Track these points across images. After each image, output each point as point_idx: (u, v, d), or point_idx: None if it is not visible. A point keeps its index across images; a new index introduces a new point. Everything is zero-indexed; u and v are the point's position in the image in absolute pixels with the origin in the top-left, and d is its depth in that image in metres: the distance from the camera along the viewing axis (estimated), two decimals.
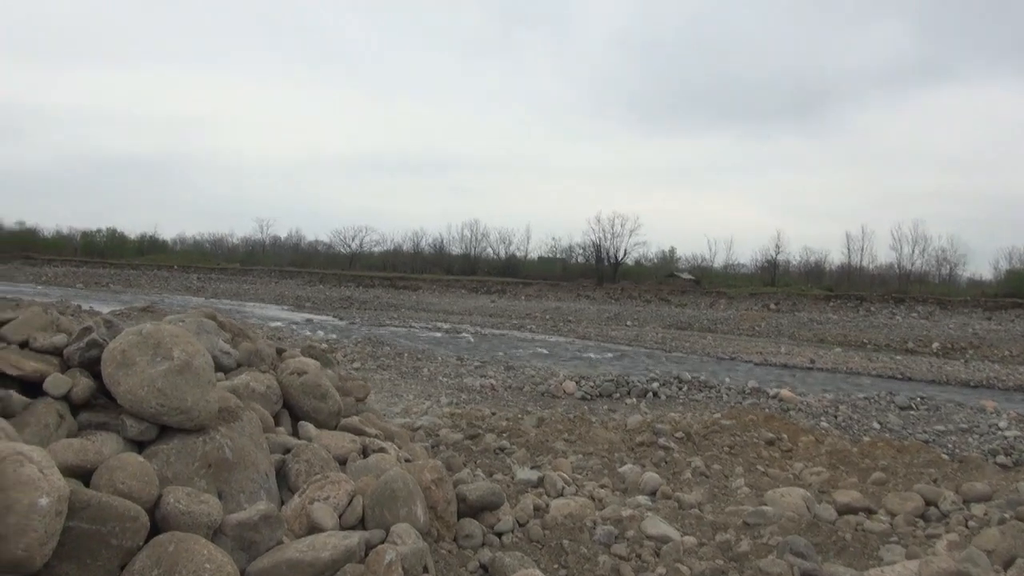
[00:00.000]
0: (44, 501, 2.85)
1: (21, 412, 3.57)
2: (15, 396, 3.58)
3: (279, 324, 29.02)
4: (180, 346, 3.80)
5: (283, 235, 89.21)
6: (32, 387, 3.80)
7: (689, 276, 69.15)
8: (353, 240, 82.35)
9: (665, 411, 12.00)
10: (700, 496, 6.43)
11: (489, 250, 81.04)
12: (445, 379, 16.62)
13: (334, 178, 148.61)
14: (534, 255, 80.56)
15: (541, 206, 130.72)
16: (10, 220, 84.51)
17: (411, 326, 32.98)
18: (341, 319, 36.20)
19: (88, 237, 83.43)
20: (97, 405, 3.88)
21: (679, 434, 8.69)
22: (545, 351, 24.95)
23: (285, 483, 4.27)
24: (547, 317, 41.51)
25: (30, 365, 3.79)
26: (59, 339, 4.05)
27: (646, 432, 8.66)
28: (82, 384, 3.82)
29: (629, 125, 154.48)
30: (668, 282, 64.31)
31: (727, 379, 17.31)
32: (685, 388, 15.13)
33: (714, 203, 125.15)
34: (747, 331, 37.74)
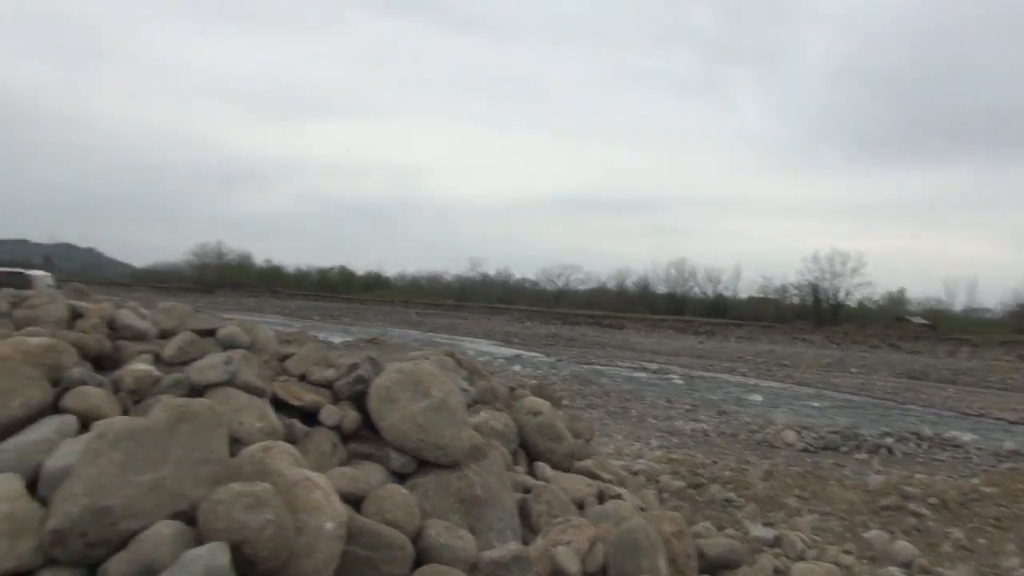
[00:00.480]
0: (329, 525, 3.10)
1: (302, 439, 3.93)
2: (297, 424, 3.97)
3: (488, 358, 30.06)
4: (437, 385, 4.02)
5: (492, 273, 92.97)
6: (309, 416, 4.19)
7: (923, 320, 63.06)
8: (559, 278, 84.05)
9: (902, 470, 10.91)
10: (967, 574, 5.72)
11: (696, 289, 79.08)
12: (654, 421, 16.32)
13: (541, 218, 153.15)
14: (744, 295, 77.34)
15: (751, 244, 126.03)
16: (260, 258, 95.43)
17: (617, 365, 32.83)
18: (548, 355, 36.82)
19: (323, 274, 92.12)
20: (362, 436, 4.20)
21: (932, 499, 7.83)
22: (759, 397, 23.74)
23: (526, 523, 4.35)
24: (760, 361, 39.57)
25: (309, 396, 4.18)
26: (330, 373, 4.44)
27: (892, 495, 7.90)
28: (351, 416, 4.15)
29: (848, 159, 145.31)
30: (898, 326, 59.12)
31: (977, 438, 15.45)
32: (925, 446, 13.71)
33: (951, 241, 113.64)
34: (997, 384, 33.57)
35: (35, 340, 3.62)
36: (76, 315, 4.39)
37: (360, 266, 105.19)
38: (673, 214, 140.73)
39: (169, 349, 4.13)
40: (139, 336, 4.32)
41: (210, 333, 4.42)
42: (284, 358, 4.60)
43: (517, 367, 27.59)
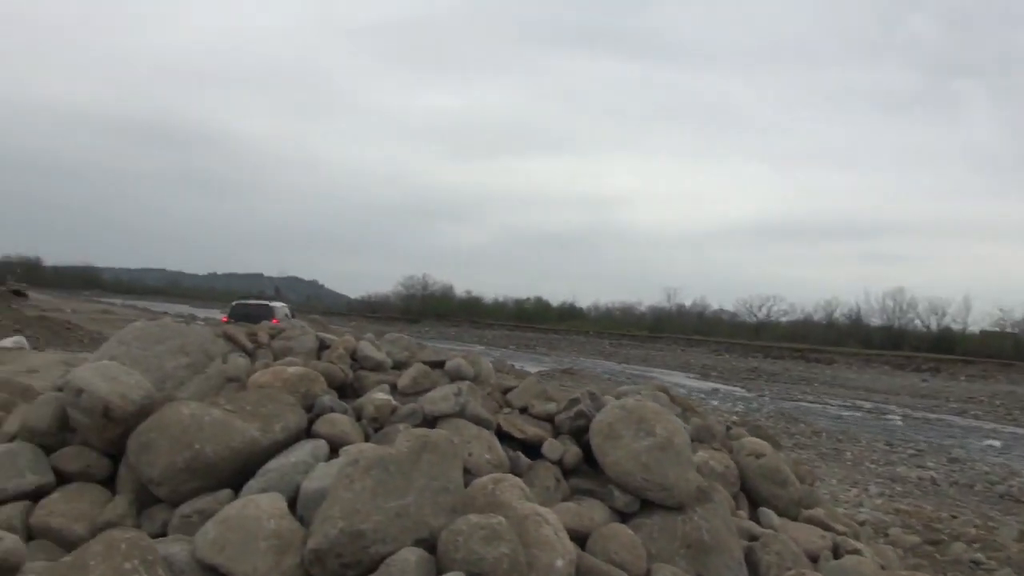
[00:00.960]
0: (560, 563, 3.10)
1: (526, 472, 3.99)
2: (522, 457, 4.04)
3: (684, 391, 29.21)
4: (661, 423, 3.93)
5: (688, 303, 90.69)
6: (531, 449, 4.25)
7: None
8: (759, 309, 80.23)
9: None
10: None
11: (917, 322, 72.13)
12: (872, 466, 15.00)
13: (738, 246, 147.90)
14: (975, 328, 69.48)
15: (983, 273, 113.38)
16: (461, 289, 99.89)
17: (826, 403, 30.65)
18: (748, 390, 35.16)
19: (520, 304, 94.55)
20: (583, 472, 4.20)
21: None
22: (998, 443, 21.12)
23: (754, 574, 4.11)
24: (997, 403, 35.25)
25: (531, 430, 4.25)
26: (551, 407, 4.50)
27: None
28: (572, 451, 4.16)
29: None
30: None
31: None
32: None
33: None
34: None
35: (291, 369, 3.99)
36: (323, 346, 4.79)
37: (555, 296, 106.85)
38: (887, 240, 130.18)
39: (403, 380, 4.38)
40: (377, 367, 4.63)
41: (439, 365, 4.65)
42: (506, 391, 4.72)
43: (715, 402, 26.60)
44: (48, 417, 3.40)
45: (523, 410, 4.56)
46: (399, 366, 4.72)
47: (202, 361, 4.05)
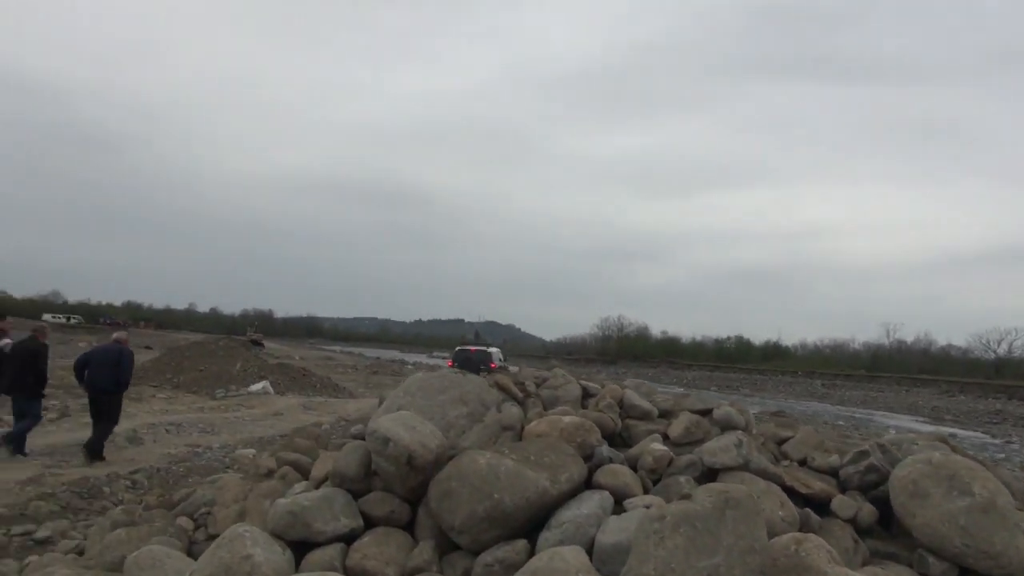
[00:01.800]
0: None
1: (817, 530, 3.71)
2: (812, 515, 3.76)
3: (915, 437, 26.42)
4: (979, 481, 3.51)
5: (910, 339, 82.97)
6: (816, 505, 3.95)
7: None
8: (998, 344, 71.68)
9: None
10: None
11: None
12: None
13: (969, 275, 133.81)
14: None
15: None
16: (657, 329, 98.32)
17: None
18: (993, 436, 31.27)
19: (719, 344, 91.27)
20: (876, 532, 3.84)
21: None
22: None
23: None
24: None
25: (818, 484, 3.96)
26: (833, 460, 4.17)
27: None
28: (867, 509, 3.82)
29: None
30: None
31: None
32: None
33: None
34: None
35: (566, 419, 4.01)
36: (586, 394, 4.80)
37: (757, 335, 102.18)
38: None
39: (675, 429, 4.26)
40: (644, 415, 4.55)
41: (706, 413, 4.49)
42: (781, 441, 4.46)
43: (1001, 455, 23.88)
44: (355, 464, 3.64)
45: (802, 462, 4.27)
46: (664, 414, 4.61)
47: (479, 410, 4.18)
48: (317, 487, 3.83)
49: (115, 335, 10.52)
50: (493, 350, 24.96)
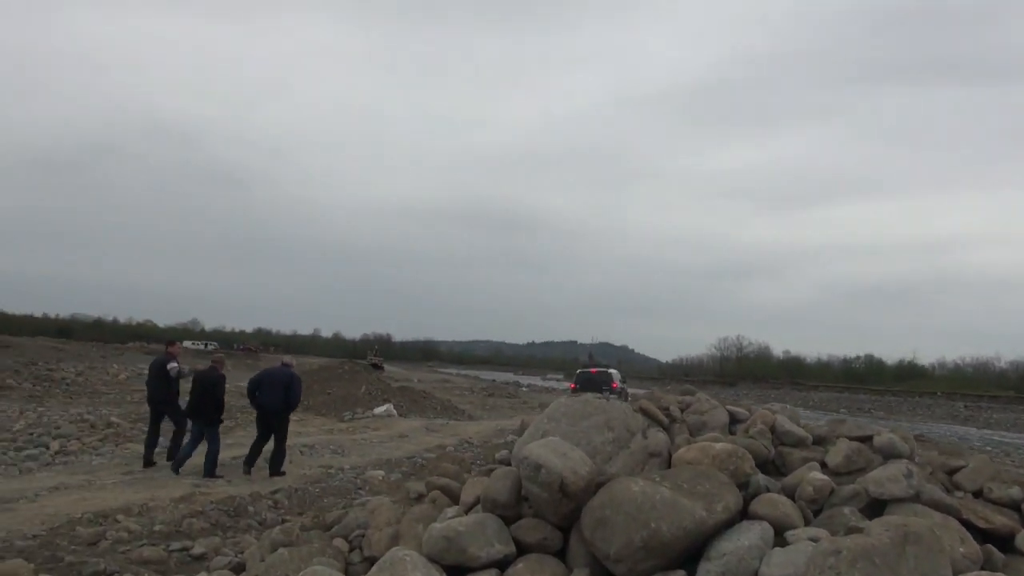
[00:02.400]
0: None
1: (1002, 569, 3.41)
2: (995, 552, 3.46)
3: None
4: None
5: None
6: (994, 540, 3.63)
7: None
8: None
9: None
10: None
11: None
12: None
13: None
14: None
15: None
16: (778, 349, 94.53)
17: None
18: None
19: (848, 364, 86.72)
20: None
21: None
22: None
23: None
24: None
25: (998, 519, 3.65)
26: (1014, 492, 3.84)
27: None
28: None
29: None
30: None
31: None
32: None
33: None
34: None
35: (718, 446, 3.87)
36: (733, 420, 4.64)
37: (889, 354, 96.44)
38: None
39: (835, 457, 4.04)
40: (798, 442, 4.35)
41: (866, 440, 4.24)
42: (951, 471, 4.14)
43: None
44: (506, 490, 3.64)
45: (976, 494, 3.95)
46: (819, 441, 4.39)
47: (624, 436, 4.11)
48: (467, 512, 3.85)
49: (284, 359, 11.46)
50: (613, 372, 25.13)
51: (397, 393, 27.53)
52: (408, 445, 14.82)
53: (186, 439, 10.85)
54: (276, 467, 10.40)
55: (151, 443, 11.15)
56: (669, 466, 4.06)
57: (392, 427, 18.44)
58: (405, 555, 3.20)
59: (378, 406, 22.73)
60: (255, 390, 10.56)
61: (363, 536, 4.22)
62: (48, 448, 13.63)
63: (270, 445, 10.56)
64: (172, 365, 11.14)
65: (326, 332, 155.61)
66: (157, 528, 6.95)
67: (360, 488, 9.79)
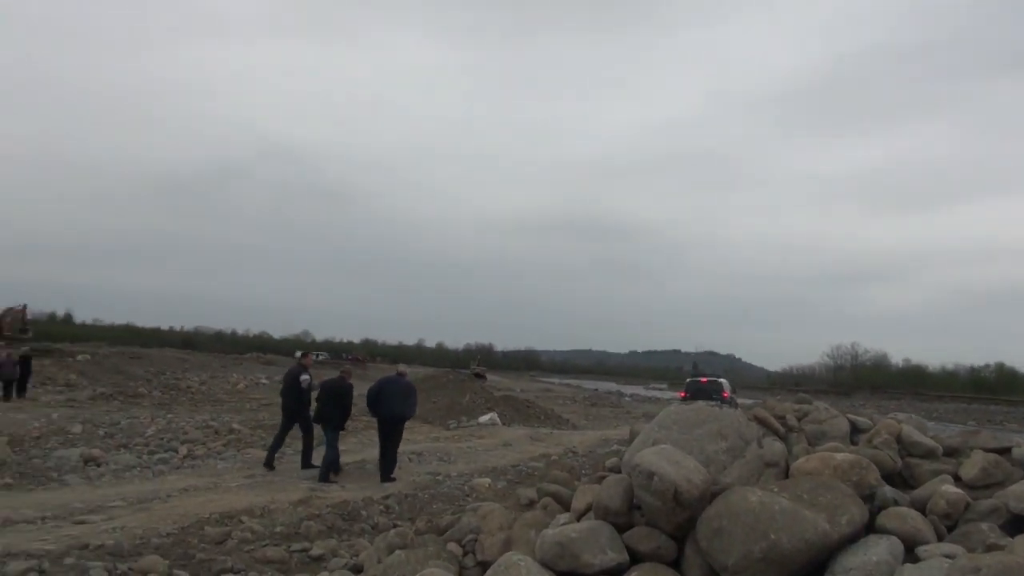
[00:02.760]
0: None
1: None
2: None
3: None
4: None
5: None
6: None
7: None
8: None
9: None
10: None
11: None
12: None
13: None
14: None
15: None
16: (897, 357, 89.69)
17: None
18: None
19: (976, 373, 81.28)
20: None
21: None
22: None
23: None
24: None
25: None
26: None
27: None
28: None
29: None
30: None
31: None
32: None
33: None
34: None
35: (839, 456, 3.72)
36: (854, 429, 4.44)
37: (1023, 362, 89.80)
38: None
39: (970, 470, 3.81)
40: (927, 454, 4.12)
41: (1003, 452, 3.96)
42: None
43: None
44: (618, 498, 3.62)
45: None
46: (950, 453, 4.14)
47: (739, 445, 4.00)
48: (579, 519, 3.85)
49: (399, 369, 11.87)
50: (723, 381, 25.10)
51: (500, 402, 27.77)
52: (513, 454, 14.91)
53: (318, 445, 11.59)
54: (387, 473, 10.78)
55: (275, 447, 11.87)
56: (787, 477, 3.92)
57: (496, 436, 18.60)
58: (519, 560, 3.22)
59: (482, 415, 22.99)
60: (375, 399, 10.94)
61: (475, 541, 4.28)
62: (177, 452, 14.51)
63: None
64: (304, 377, 11.78)
65: (430, 342, 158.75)
66: (278, 529, 7.26)
67: (467, 495, 9.92)
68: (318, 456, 11.44)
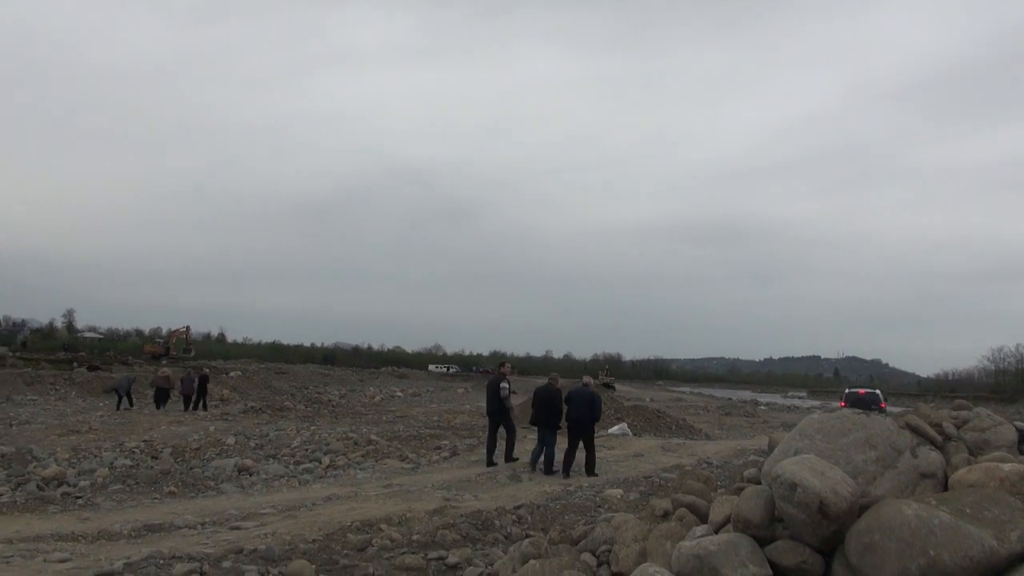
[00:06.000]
0: None
1: None
2: None
3: None
4: None
5: None
6: None
7: None
8: None
9: None
10: None
11: None
12: None
13: None
14: None
15: None
16: None
17: None
18: None
19: None
20: None
21: None
22: None
23: None
24: None
25: None
26: None
27: None
28: None
29: None
30: None
31: None
32: None
33: None
34: None
35: (1007, 466, 3.40)
36: (1022, 438, 4.07)
37: None
38: None
39: None
40: None
41: None
42: None
43: None
44: (759, 510, 3.46)
45: None
46: None
47: (890, 455, 3.74)
48: (716, 531, 3.71)
49: (584, 379, 13.66)
50: (878, 392, 26.30)
51: (630, 412, 27.39)
52: (644, 464, 14.66)
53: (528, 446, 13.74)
54: (591, 469, 12.33)
55: (491, 448, 13.49)
56: (945, 489, 3.63)
57: (627, 446, 18.35)
58: (655, 572, 3.14)
59: (612, 425, 22.75)
60: (567, 406, 12.46)
61: (610, 551, 4.21)
62: (320, 463, 15.24)
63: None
64: (503, 385, 13.29)
65: (557, 353, 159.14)
66: (415, 537, 7.45)
67: (599, 506, 9.84)
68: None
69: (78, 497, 11.86)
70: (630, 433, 22.10)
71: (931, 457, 3.80)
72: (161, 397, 27.35)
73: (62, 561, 6.48)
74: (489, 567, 6.20)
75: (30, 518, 9.79)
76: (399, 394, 50.41)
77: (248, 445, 17.06)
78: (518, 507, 9.34)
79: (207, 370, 36.06)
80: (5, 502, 11.47)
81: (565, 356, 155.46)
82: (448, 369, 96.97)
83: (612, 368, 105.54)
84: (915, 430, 4.05)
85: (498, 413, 13.30)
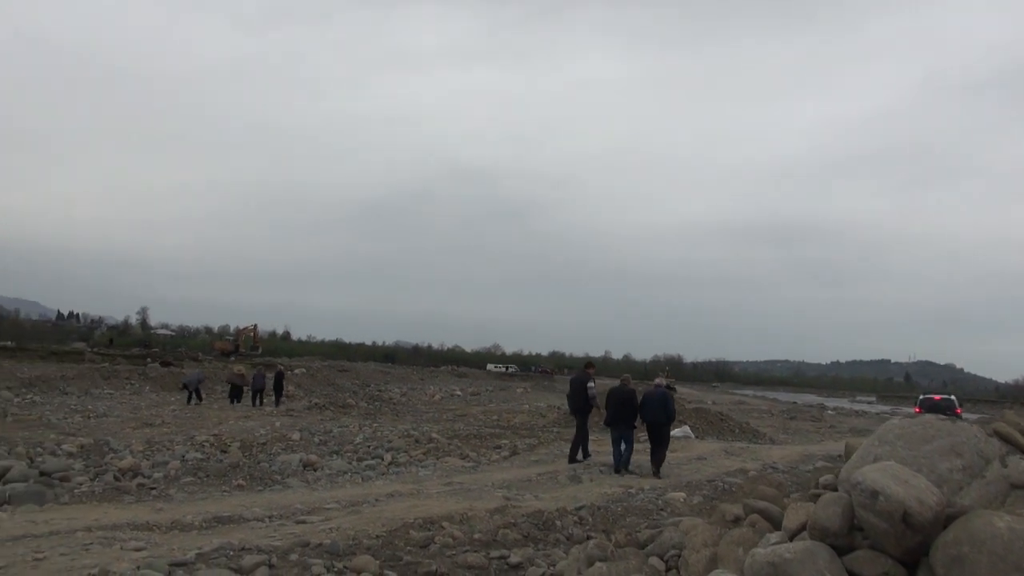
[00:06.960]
0: None
1: None
2: None
3: None
4: None
5: None
6: None
7: None
8: None
9: None
10: None
11: None
12: None
13: None
14: None
15: None
16: None
17: None
18: None
19: None
20: None
21: None
22: None
23: None
24: None
25: None
26: None
27: None
28: None
29: None
30: None
31: None
32: None
33: None
34: None
35: None
36: None
37: None
38: None
39: None
40: None
41: None
42: None
43: None
44: (837, 518, 3.33)
45: None
46: None
47: (977, 463, 3.56)
48: (791, 539, 3.58)
49: (656, 380, 14.75)
50: (953, 398, 25.93)
51: (692, 415, 26.97)
52: (707, 468, 14.38)
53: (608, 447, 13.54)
54: (656, 468, 12.60)
55: (579, 445, 13.80)
56: None
57: (689, 449, 18.05)
58: None
59: (674, 428, 22.43)
60: (641, 407, 12.81)
61: (679, 556, 4.12)
62: (383, 460, 15.42)
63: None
64: (590, 384, 13.51)
65: (616, 354, 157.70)
66: (476, 536, 7.45)
67: (661, 509, 9.69)
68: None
69: (152, 488, 12.28)
70: (692, 435, 21.75)
71: (1022, 467, 3.60)
72: (235, 393, 28.22)
73: (138, 550, 6.69)
74: (551, 568, 6.14)
75: (107, 507, 10.14)
76: (458, 393, 50.72)
77: (312, 441, 17.37)
78: (579, 508, 9.26)
79: (282, 367, 36.98)
80: (84, 491, 11.95)
81: (624, 357, 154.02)
82: (507, 368, 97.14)
83: (673, 370, 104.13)
84: (1004, 438, 3.84)
85: (583, 410, 13.63)
